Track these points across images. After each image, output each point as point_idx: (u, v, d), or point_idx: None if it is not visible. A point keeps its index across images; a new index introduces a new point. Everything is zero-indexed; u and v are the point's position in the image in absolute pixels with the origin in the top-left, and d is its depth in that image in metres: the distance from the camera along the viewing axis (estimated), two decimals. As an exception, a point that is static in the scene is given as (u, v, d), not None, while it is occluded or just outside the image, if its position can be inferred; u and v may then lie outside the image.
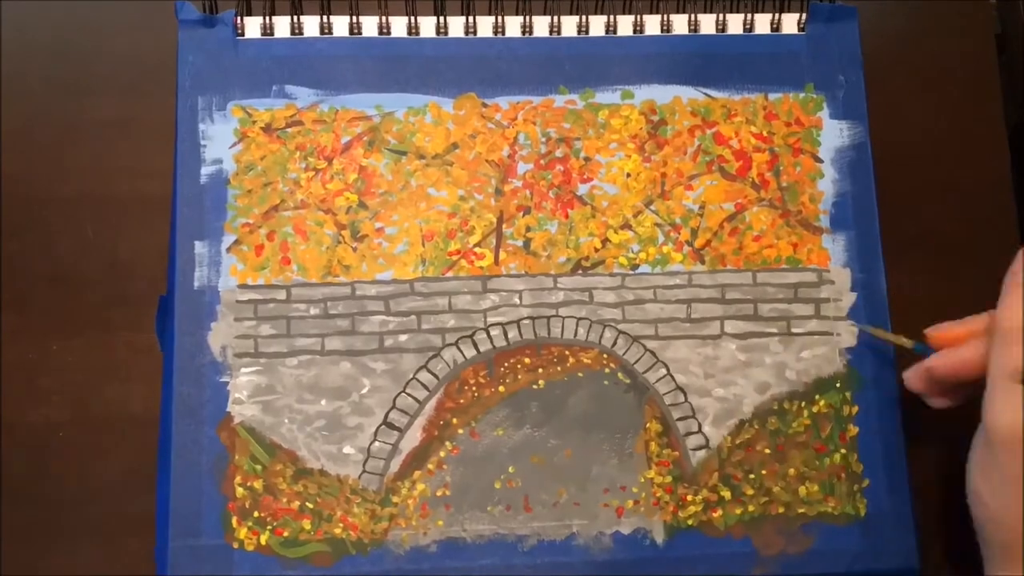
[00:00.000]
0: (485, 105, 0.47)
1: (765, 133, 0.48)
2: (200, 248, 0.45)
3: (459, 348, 0.45)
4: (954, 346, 0.41)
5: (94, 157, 0.47)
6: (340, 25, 0.47)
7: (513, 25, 0.48)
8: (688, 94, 0.48)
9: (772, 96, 0.48)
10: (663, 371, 0.46)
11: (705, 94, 0.48)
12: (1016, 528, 0.37)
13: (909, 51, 0.52)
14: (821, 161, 0.48)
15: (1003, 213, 0.51)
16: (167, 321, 0.45)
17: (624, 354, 0.46)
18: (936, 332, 0.42)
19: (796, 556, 0.45)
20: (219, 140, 0.46)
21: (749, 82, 0.49)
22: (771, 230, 0.47)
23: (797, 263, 0.47)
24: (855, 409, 0.46)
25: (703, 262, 0.47)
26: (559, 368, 0.46)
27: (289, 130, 0.46)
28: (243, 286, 0.45)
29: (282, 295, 0.45)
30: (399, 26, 0.48)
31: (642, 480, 0.45)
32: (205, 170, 0.46)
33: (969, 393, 0.41)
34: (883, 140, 0.49)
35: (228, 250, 0.45)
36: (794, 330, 0.47)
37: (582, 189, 0.47)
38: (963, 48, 0.52)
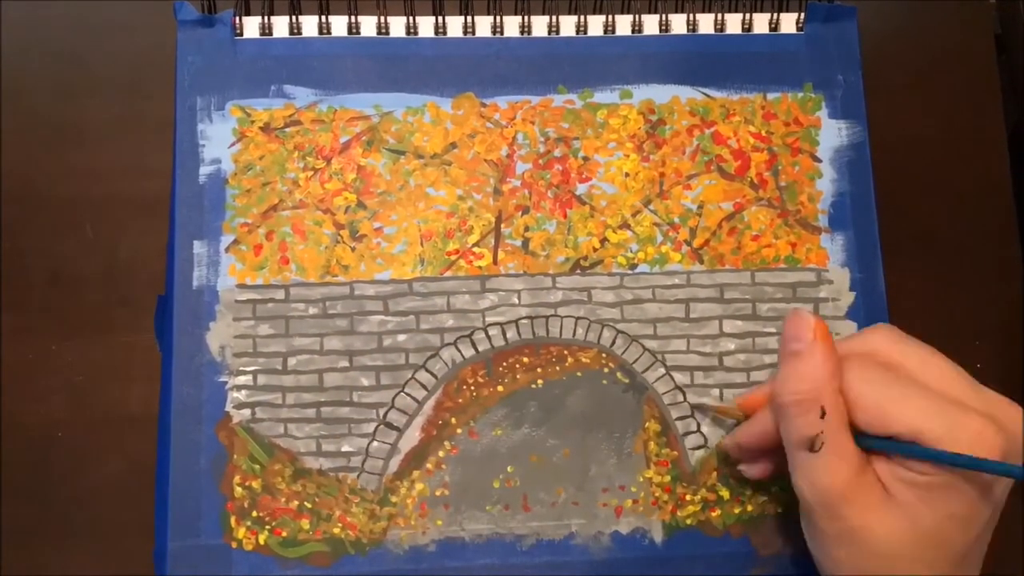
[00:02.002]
0: (484, 105, 0.47)
1: (764, 133, 0.48)
2: (199, 248, 0.45)
3: (458, 348, 0.45)
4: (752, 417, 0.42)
5: (94, 158, 0.47)
6: (339, 25, 0.47)
7: (511, 25, 0.48)
8: (686, 94, 0.48)
9: (771, 96, 0.48)
10: (662, 370, 0.46)
11: (703, 94, 0.48)
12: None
13: (908, 51, 0.52)
14: (820, 161, 0.48)
15: (1002, 214, 0.51)
16: (166, 321, 0.45)
17: (623, 353, 0.46)
18: (743, 400, 0.43)
19: (795, 556, 0.45)
20: (218, 140, 0.46)
21: (747, 82, 0.49)
22: (770, 230, 0.47)
23: (796, 263, 0.47)
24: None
25: (701, 262, 0.47)
26: (558, 368, 0.46)
27: (288, 130, 0.46)
28: (242, 286, 0.45)
29: (281, 295, 0.45)
30: (397, 26, 0.48)
31: (641, 480, 0.45)
32: (204, 170, 0.46)
33: (781, 460, 0.40)
34: (882, 140, 0.49)
35: (227, 250, 0.45)
36: (793, 330, 0.46)
37: (581, 189, 0.47)
38: (963, 48, 0.52)
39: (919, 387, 0.36)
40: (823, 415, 0.36)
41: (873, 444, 0.37)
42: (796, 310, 0.39)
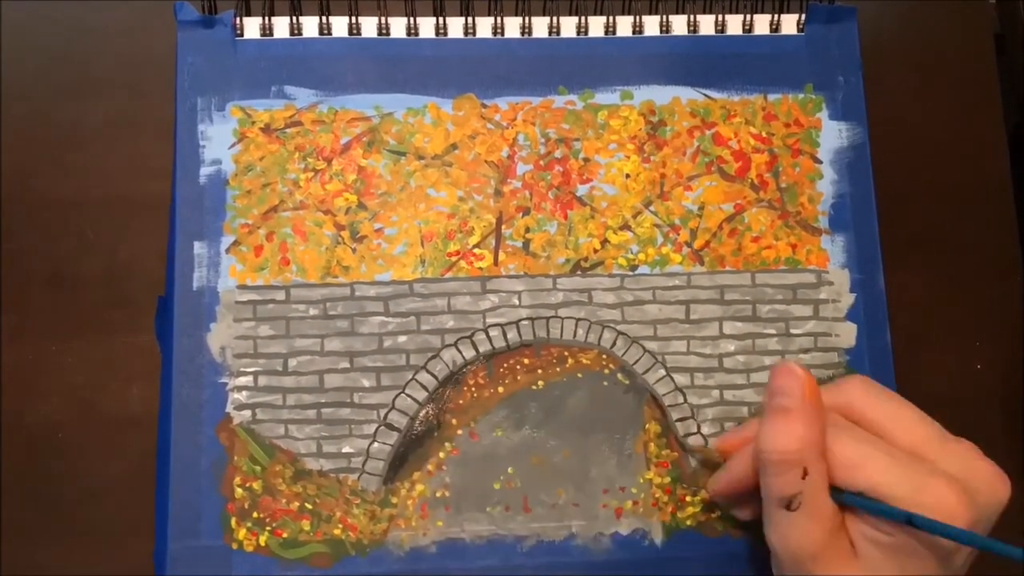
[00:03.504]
0: (484, 106, 0.47)
1: (764, 134, 0.48)
2: (199, 249, 0.45)
3: (458, 349, 0.45)
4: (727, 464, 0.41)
5: (94, 158, 0.47)
6: (339, 26, 0.47)
7: (512, 26, 0.48)
8: (687, 95, 0.48)
9: (771, 97, 0.48)
10: (662, 372, 0.46)
11: (704, 95, 0.48)
12: None
13: (908, 51, 0.52)
14: (820, 162, 0.48)
15: (1003, 214, 0.51)
16: (166, 322, 0.45)
17: (623, 355, 0.46)
18: (720, 443, 0.43)
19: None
20: (218, 141, 0.46)
21: (748, 83, 0.48)
22: (770, 231, 0.47)
23: (796, 264, 0.47)
24: (854, 410, 0.46)
25: (702, 263, 0.47)
26: (558, 369, 0.46)
27: (288, 131, 0.46)
28: (242, 287, 0.45)
29: (281, 296, 0.45)
30: (398, 27, 0.48)
31: (641, 481, 0.45)
32: (204, 171, 0.46)
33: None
34: (882, 141, 0.49)
35: (227, 251, 0.45)
36: (792, 331, 0.47)
37: (581, 190, 0.47)
38: (962, 49, 0.52)
39: (886, 447, 0.36)
40: (804, 475, 0.36)
41: (846, 499, 0.36)
42: (785, 363, 0.38)
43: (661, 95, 0.48)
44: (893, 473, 0.35)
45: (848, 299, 0.47)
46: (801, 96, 0.49)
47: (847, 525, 0.37)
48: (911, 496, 0.35)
